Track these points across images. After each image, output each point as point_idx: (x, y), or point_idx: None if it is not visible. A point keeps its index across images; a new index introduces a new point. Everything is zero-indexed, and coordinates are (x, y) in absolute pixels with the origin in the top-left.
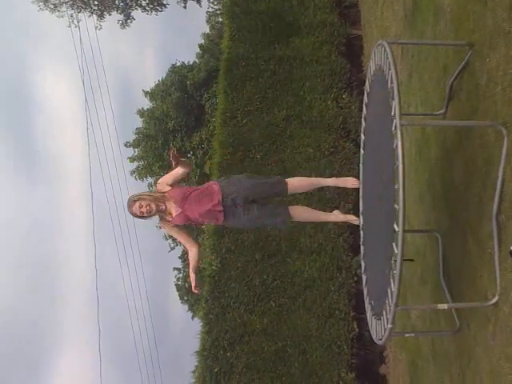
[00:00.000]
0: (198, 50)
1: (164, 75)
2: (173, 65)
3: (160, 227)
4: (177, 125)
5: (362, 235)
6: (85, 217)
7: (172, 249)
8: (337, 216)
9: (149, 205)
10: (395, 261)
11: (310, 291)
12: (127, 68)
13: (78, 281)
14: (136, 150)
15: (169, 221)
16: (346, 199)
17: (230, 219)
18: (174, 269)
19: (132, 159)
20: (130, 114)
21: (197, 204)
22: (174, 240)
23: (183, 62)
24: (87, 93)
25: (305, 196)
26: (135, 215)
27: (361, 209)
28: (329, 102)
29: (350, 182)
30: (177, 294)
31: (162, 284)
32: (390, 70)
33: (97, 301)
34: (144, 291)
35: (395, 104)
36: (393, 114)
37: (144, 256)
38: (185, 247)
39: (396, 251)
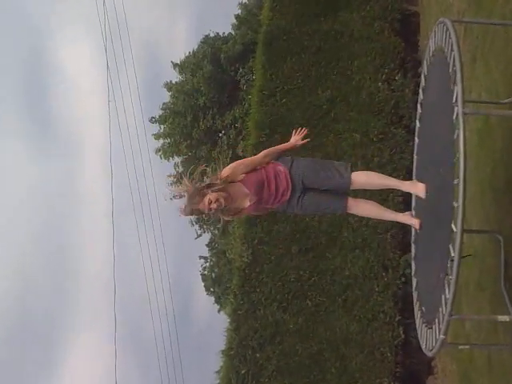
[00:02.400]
0: (235, 20)
1: (196, 46)
2: (206, 35)
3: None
4: (208, 101)
5: (413, 233)
6: (104, 196)
7: (198, 236)
8: (407, 217)
9: (218, 199)
10: (452, 264)
11: (352, 291)
12: (155, 36)
13: (96, 266)
14: (162, 126)
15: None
16: (395, 191)
17: (289, 203)
18: (201, 257)
19: (157, 136)
20: (157, 87)
21: (269, 189)
22: (201, 226)
23: (217, 33)
24: (110, 61)
25: None
26: (198, 211)
27: (413, 203)
28: (379, 84)
29: (422, 190)
30: (202, 284)
31: (186, 272)
32: (452, 51)
33: (114, 287)
34: (166, 279)
35: (458, 90)
36: (454, 100)
37: (167, 241)
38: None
39: (453, 253)
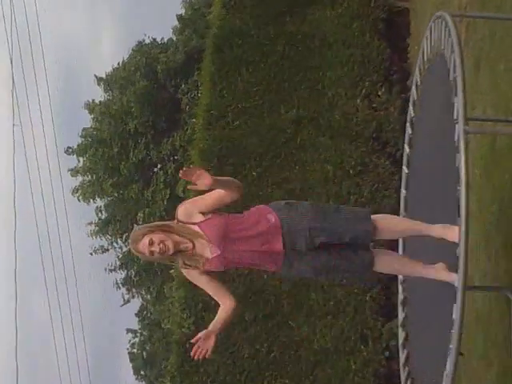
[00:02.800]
0: (176, 22)
1: (126, 56)
2: (139, 42)
3: (182, 272)
4: (141, 126)
5: (400, 291)
6: (5, 250)
7: (126, 302)
8: (439, 272)
9: (163, 242)
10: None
11: (322, 370)
12: (74, 43)
13: None
14: (81, 159)
15: (197, 267)
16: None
17: (286, 267)
18: (128, 331)
19: (75, 172)
20: (75, 108)
21: (246, 243)
22: (129, 290)
23: (154, 40)
24: (16, 75)
25: None
26: (143, 255)
27: (400, 249)
28: (358, 101)
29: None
30: (130, 365)
31: (109, 351)
32: (452, 52)
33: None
34: (83, 359)
35: (459, 102)
36: (455, 116)
37: (85, 310)
38: (218, 299)
39: (454, 316)
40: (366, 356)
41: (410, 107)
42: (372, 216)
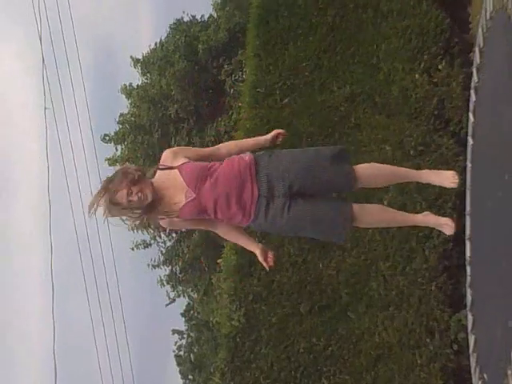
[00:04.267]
0: None
1: (164, 35)
2: (178, 20)
3: (152, 225)
4: (182, 111)
5: (468, 272)
6: (41, 246)
7: (171, 301)
8: (426, 217)
9: (141, 191)
10: None
11: (384, 365)
12: (108, 23)
13: (30, 343)
14: (119, 147)
15: (168, 214)
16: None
17: (260, 217)
18: (174, 331)
19: (113, 161)
20: (112, 92)
21: (217, 187)
22: (174, 287)
23: (193, 17)
24: (47, 55)
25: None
26: (117, 207)
27: (467, 232)
28: (417, 76)
29: (448, 179)
30: (177, 369)
31: (154, 353)
32: None
33: (54, 371)
34: (127, 362)
35: None
36: None
37: (128, 310)
38: (215, 230)
39: None
40: (432, 350)
41: (474, 73)
42: (358, 166)
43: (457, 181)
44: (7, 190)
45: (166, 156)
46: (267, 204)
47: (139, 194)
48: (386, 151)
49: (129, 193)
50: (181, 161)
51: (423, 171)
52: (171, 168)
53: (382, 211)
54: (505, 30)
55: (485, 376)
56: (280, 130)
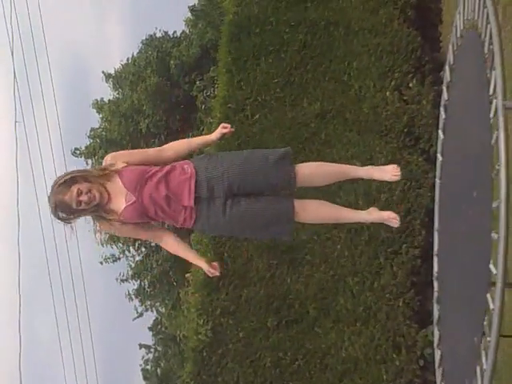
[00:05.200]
0: (189, 14)
1: (136, 51)
2: (150, 36)
3: (97, 231)
4: (153, 126)
5: (436, 288)
6: (8, 258)
7: (139, 315)
8: (370, 214)
9: (90, 191)
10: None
11: (351, 380)
12: (81, 38)
13: None
14: (89, 161)
15: (110, 219)
16: (410, 240)
17: (202, 218)
18: (141, 346)
19: None
20: (82, 107)
21: (156, 191)
22: (143, 302)
23: (165, 33)
24: (18, 70)
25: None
26: (66, 208)
27: (435, 248)
28: (387, 93)
29: (388, 172)
30: (143, 383)
31: (121, 367)
32: (488, 23)
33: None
34: (94, 376)
35: (496, 75)
36: (491, 91)
37: (95, 323)
38: (159, 240)
39: (492, 306)
40: (398, 365)
41: (444, 89)
42: (299, 164)
43: (398, 173)
44: None
45: (107, 160)
46: (208, 205)
47: (88, 194)
48: None
49: (78, 193)
50: (120, 164)
51: (365, 167)
52: (111, 172)
53: (324, 206)
54: (473, 47)
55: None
56: (225, 125)
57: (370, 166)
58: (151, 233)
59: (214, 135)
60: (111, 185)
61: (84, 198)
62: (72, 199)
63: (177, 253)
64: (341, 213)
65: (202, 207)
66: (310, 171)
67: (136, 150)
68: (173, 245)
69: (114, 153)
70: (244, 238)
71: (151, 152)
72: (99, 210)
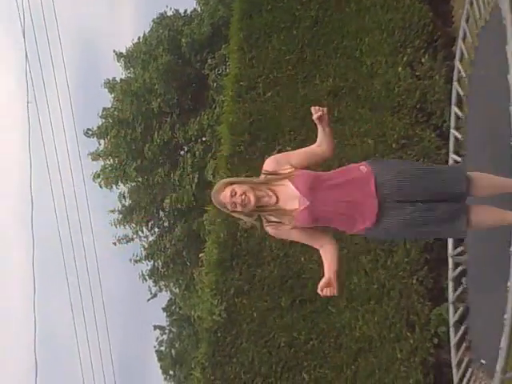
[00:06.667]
0: None
1: (147, 30)
2: (161, 14)
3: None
4: (165, 105)
5: (450, 266)
6: (23, 240)
7: (153, 296)
8: None
9: (245, 193)
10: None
11: (365, 359)
12: (91, 18)
13: (12, 338)
14: (102, 141)
15: (277, 224)
16: None
17: (380, 223)
18: (156, 327)
19: (96, 155)
20: (94, 87)
21: (333, 195)
22: (156, 282)
23: (176, 11)
24: (30, 50)
25: None
26: (225, 208)
27: None
28: (399, 69)
29: None
30: (158, 364)
31: (135, 348)
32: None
33: (35, 366)
34: (108, 357)
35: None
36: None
37: (109, 305)
38: (319, 247)
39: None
40: (412, 344)
41: (457, 63)
42: (473, 173)
43: None
44: None
45: (270, 162)
46: (385, 211)
47: (242, 197)
48: (369, 144)
49: (232, 194)
50: (287, 167)
51: None
52: (279, 175)
53: (493, 213)
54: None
55: (482, 361)
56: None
57: None
58: (315, 238)
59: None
60: (282, 188)
61: (237, 199)
62: (226, 199)
63: (326, 258)
64: (505, 216)
65: (380, 212)
66: (485, 184)
67: (291, 152)
68: (327, 253)
69: (276, 155)
70: None
71: (307, 152)
72: (268, 215)
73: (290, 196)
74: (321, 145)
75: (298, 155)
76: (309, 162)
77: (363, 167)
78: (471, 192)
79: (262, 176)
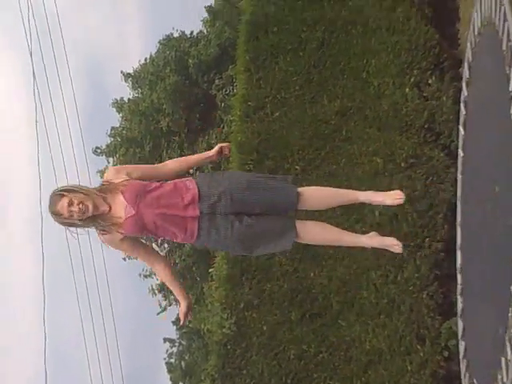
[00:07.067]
0: (206, 14)
1: (154, 51)
2: (168, 36)
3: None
4: (173, 124)
5: (459, 281)
6: (33, 255)
7: (162, 310)
8: (371, 239)
9: (82, 202)
10: None
11: (375, 371)
12: (99, 39)
13: (21, 350)
14: (111, 159)
15: (108, 232)
16: (433, 234)
17: (204, 234)
18: (165, 340)
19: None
20: (103, 107)
21: (157, 205)
22: (166, 296)
23: (183, 32)
24: (38, 71)
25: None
26: (60, 218)
27: (458, 242)
28: (407, 90)
29: (391, 196)
30: (168, 376)
31: (144, 361)
32: (505, 22)
33: (45, 378)
34: (118, 370)
35: None
36: (510, 87)
37: (119, 319)
38: (151, 266)
39: None
40: (422, 356)
41: (463, 86)
42: (302, 188)
43: (402, 197)
44: None
45: (109, 173)
46: (209, 221)
47: (80, 206)
48: (377, 163)
49: (69, 203)
50: (122, 178)
51: (365, 192)
52: (111, 184)
53: (324, 230)
54: (491, 45)
55: (475, 381)
56: (223, 144)
57: (370, 191)
58: (148, 256)
59: (212, 152)
60: (113, 197)
61: (75, 208)
62: (63, 209)
63: (165, 282)
64: (341, 237)
65: (203, 223)
66: (314, 196)
67: (139, 165)
68: (160, 274)
69: (117, 166)
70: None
71: (151, 167)
72: (99, 223)
73: (120, 205)
74: (174, 166)
75: (139, 170)
76: (146, 178)
77: (189, 182)
78: (303, 204)
79: (98, 185)
